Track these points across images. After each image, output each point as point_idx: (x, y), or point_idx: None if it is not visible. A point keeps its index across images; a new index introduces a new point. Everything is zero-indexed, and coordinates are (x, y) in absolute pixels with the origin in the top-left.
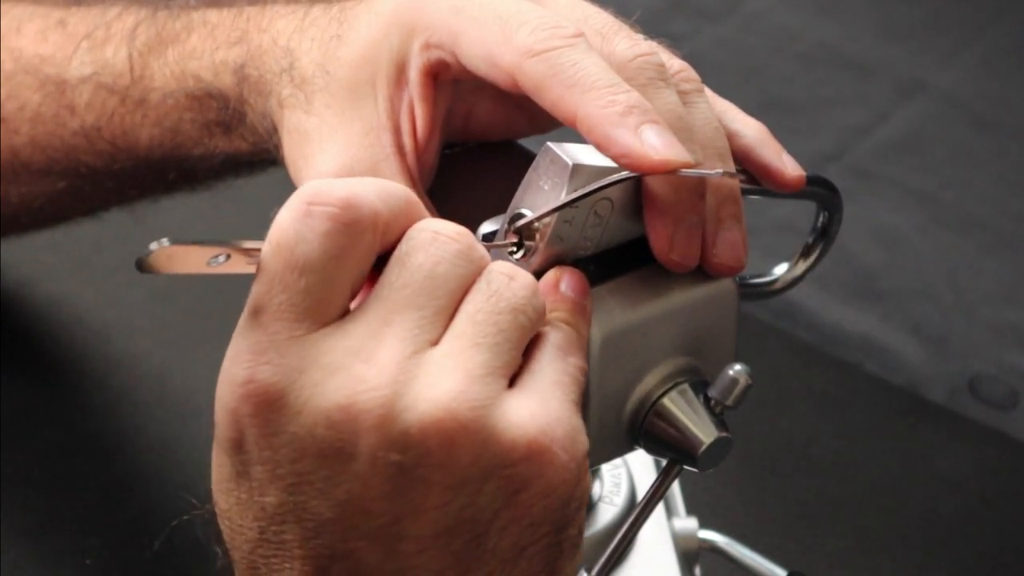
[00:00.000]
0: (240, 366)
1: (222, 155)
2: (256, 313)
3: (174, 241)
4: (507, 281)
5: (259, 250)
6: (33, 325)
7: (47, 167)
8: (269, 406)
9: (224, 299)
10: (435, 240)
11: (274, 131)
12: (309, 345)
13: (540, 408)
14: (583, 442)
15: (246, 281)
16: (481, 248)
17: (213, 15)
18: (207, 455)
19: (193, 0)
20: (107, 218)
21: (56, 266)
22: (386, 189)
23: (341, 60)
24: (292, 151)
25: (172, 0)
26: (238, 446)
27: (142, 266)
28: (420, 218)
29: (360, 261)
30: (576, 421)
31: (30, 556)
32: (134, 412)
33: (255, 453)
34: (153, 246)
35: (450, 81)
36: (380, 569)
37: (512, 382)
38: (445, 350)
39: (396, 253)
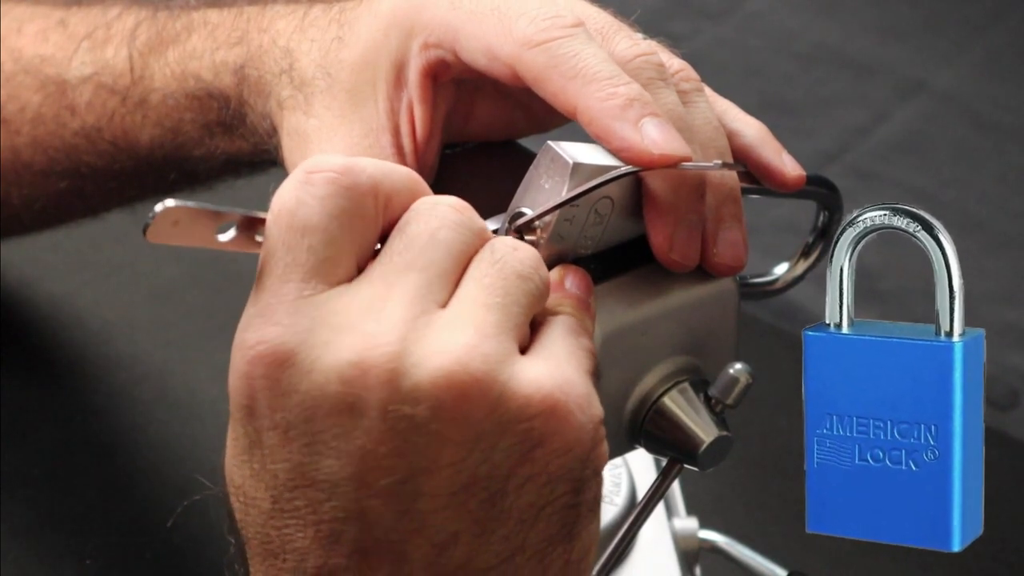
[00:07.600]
0: (250, 330)
1: (223, 155)
2: (263, 278)
3: (178, 203)
4: (511, 250)
5: (265, 220)
6: (33, 325)
7: (48, 168)
8: (280, 366)
9: (225, 299)
10: (435, 208)
11: (274, 132)
12: (317, 305)
13: (556, 369)
14: (599, 407)
15: (247, 281)
16: (482, 221)
17: (213, 15)
18: (207, 454)
19: (193, 0)
20: (107, 218)
21: (56, 266)
22: (387, 164)
23: (343, 63)
24: (292, 153)
25: (172, 0)
26: (250, 412)
27: (147, 233)
28: (423, 195)
29: (363, 225)
30: (591, 388)
31: (30, 556)
32: (134, 412)
33: (267, 417)
34: (157, 208)
35: (450, 81)
36: (394, 530)
37: (523, 353)
38: (454, 311)
39: (398, 224)
